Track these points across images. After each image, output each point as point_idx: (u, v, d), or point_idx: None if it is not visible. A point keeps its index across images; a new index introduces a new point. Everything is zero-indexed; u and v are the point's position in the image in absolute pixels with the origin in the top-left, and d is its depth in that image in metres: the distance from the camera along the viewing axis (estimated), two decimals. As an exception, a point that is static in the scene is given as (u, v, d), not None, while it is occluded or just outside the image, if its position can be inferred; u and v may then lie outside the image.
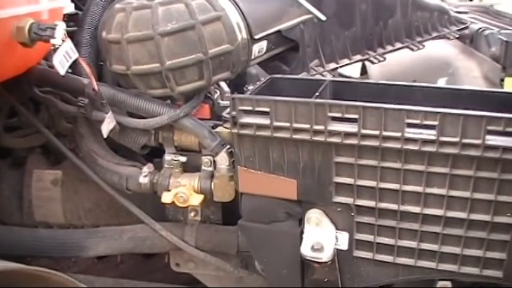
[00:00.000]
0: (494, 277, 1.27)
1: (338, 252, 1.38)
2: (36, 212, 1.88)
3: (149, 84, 1.45)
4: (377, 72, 2.37)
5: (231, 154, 1.48)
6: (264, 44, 1.64)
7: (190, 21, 1.38)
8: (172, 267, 1.80)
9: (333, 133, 1.25)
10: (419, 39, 2.21)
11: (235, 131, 1.34)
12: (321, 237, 1.37)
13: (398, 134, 1.19)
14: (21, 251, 1.71)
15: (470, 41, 2.42)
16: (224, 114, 1.45)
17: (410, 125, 1.19)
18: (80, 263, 2.29)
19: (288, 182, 1.35)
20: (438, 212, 1.25)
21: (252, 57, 1.59)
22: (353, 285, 1.42)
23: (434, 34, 2.25)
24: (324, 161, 1.30)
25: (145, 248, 1.73)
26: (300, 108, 1.26)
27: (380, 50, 2.14)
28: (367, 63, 2.24)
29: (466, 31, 2.38)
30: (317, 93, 1.35)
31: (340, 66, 2.07)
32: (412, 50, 2.19)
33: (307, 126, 1.26)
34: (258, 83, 1.52)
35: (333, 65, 2.04)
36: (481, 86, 2.15)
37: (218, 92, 1.69)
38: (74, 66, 1.55)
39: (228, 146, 1.49)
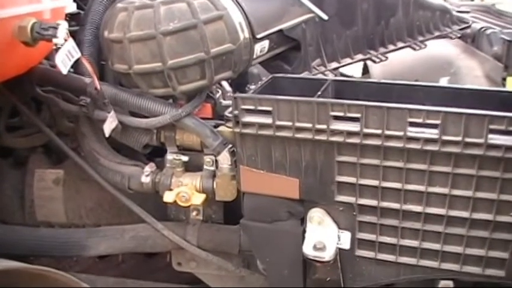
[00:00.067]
0: (496, 276, 1.27)
1: (340, 251, 1.38)
2: (38, 211, 1.88)
3: (151, 83, 1.45)
4: (379, 71, 2.36)
5: (233, 153, 1.48)
6: (265, 44, 1.64)
7: (192, 21, 1.39)
8: (174, 266, 1.80)
9: (335, 132, 1.25)
10: (421, 38, 2.21)
11: (237, 130, 1.34)
12: (323, 236, 1.37)
13: (401, 133, 1.19)
14: (23, 250, 1.71)
15: (472, 40, 2.41)
16: (226, 113, 1.45)
17: (412, 124, 1.19)
18: (81, 262, 2.28)
19: (290, 181, 1.35)
20: (440, 211, 1.25)
21: (254, 56, 1.59)
22: (355, 285, 1.42)
23: (436, 33, 2.25)
24: (326, 160, 1.30)
25: (147, 247, 1.72)
26: (302, 108, 1.26)
27: (382, 50, 2.13)
28: (368, 62, 2.24)
29: (468, 30, 2.38)
30: (319, 93, 1.35)
31: (342, 66, 2.07)
32: (414, 49, 2.19)
33: (309, 125, 1.26)
34: (259, 82, 1.52)
35: (334, 64, 2.04)
36: (483, 85, 2.15)
37: (220, 91, 1.70)
38: (76, 66, 1.55)
39: (230, 145, 1.49)
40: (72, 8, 1.51)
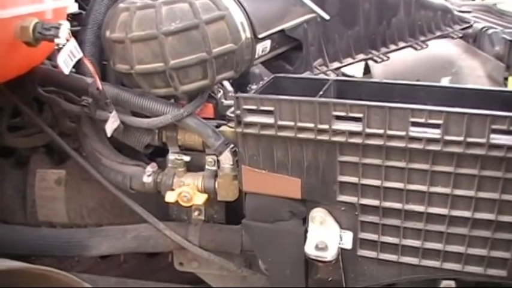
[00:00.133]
0: (498, 276, 1.27)
1: (342, 251, 1.38)
2: (40, 211, 1.88)
3: (153, 83, 1.45)
4: (380, 71, 2.36)
5: (234, 153, 1.48)
6: (267, 43, 1.64)
7: (194, 21, 1.39)
8: (176, 266, 1.80)
9: (337, 132, 1.25)
10: (422, 38, 2.21)
11: (239, 130, 1.34)
12: (325, 236, 1.37)
13: (403, 133, 1.19)
14: (25, 250, 1.71)
15: (474, 40, 2.41)
16: (228, 113, 1.45)
17: (414, 124, 1.19)
18: (83, 262, 2.28)
19: (292, 181, 1.35)
20: (442, 211, 1.25)
21: (256, 56, 1.59)
22: (357, 285, 1.42)
23: (438, 33, 2.25)
24: (328, 160, 1.30)
25: (148, 247, 1.72)
26: (304, 107, 1.26)
27: (383, 49, 2.13)
28: (370, 62, 2.24)
29: (470, 30, 2.38)
30: (321, 93, 1.35)
31: (344, 66, 2.07)
32: (415, 49, 2.19)
33: (311, 125, 1.26)
34: (261, 82, 1.52)
35: (336, 64, 2.04)
36: (484, 85, 2.15)
37: (221, 91, 1.70)
38: (78, 66, 1.55)
39: (231, 145, 1.49)
40: (74, 8, 1.51)
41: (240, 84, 1.78)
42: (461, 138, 1.16)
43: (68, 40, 1.31)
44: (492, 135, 1.14)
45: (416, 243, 1.31)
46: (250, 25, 1.52)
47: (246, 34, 1.50)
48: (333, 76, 1.94)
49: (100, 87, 1.49)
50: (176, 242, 1.66)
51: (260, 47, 1.60)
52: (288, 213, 1.42)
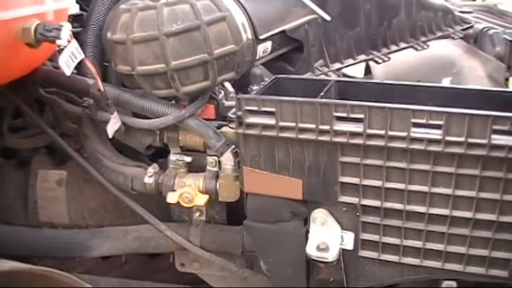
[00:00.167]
0: (499, 277, 1.27)
1: (343, 252, 1.38)
2: (41, 212, 1.88)
3: (154, 84, 1.46)
4: (381, 72, 2.36)
5: (236, 154, 1.48)
6: (268, 44, 1.64)
7: (195, 22, 1.39)
8: (177, 267, 1.80)
9: (338, 133, 1.25)
10: (423, 39, 2.21)
11: (240, 131, 1.34)
12: (326, 237, 1.37)
13: (404, 134, 1.19)
14: (26, 251, 1.72)
15: (475, 40, 2.41)
16: (230, 114, 1.45)
17: (416, 125, 1.19)
18: (84, 263, 2.29)
19: (294, 181, 1.35)
20: (444, 211, 1.25)
21: (257, 57, 1.59)
22: (358, 285, 1.42)
23: (439, 34, 2.25)
24: (329, 160, 1.30)
25: (150, 248, 1.73)
26: (305, 108, 1.26)
27: (384, 50, 2.14)
28: (371, 63, 2.24)
29: (470, 31, 2.38)
30: (322, 93, 1.35)
31: (345, 66, 2.07)
32: (416, 49, 2.19)
33: (312, 126, 1.26)
34: (262, 83, 1.53)
35: (337, 65, 2.04)
36: (485, 85, 2.15)
37: (223, 92, 1.70)
38: (79, 67, 1.55)
39: (233, 146, 1.49)
40: (75, 9, 1.51)
41: (241, 85, 1.78)
42: (462, 139, 1.16)
43: (69, 41, 1.31)
44: (493, 136, 1.14)
45: (417, 243, 1.31)
46: (252, 26, 1.52)
47: (247, 35, 1.50)
48: (334, 77, 1.94)
49: (101, 88, 1.49)
50: (177, 242, 1.66)
51: (261, 48, 1.60)
52: (289, 214, 1.42)
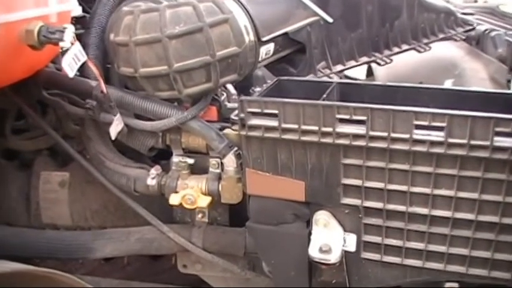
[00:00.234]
0: (502, 279, 1.27)
1: (346, 254, 1.38)
2: (44, 213, 1.88)
3: (157, 86, 1.46)
4: (383, 73, 2.37)
5: (238, 156, 1.48)
6: (271, 46, 1.64)
7: (198, 24, 1.39)
8: (180, 268, 1.80)
9: (341, 135, 1.25)
10: (425, 40, 2.21)
11: (243, 133, 1.34)
12: (328, 238, 1.37)
13: (407, 136, 1.19)
14: (29, 253, 1.72)
15: (477, 42, 2.42)
16: (232, 116, 1.45)
17: (418, 127, 1.19)
18: (86, 264, 2.28)
19: (296, 183, 1.35)
20: (446, 213, 1.25)
21: (259, 59, 1.60)
22: (361, 287, 1.42)
23: (441, 36, 2.25)
24: (332, 162, 1.30)
25: (152, 249, 1.73)
26: (308, 110, 1.26)
27: (386, 52, 2.13)
28: (373, 65, 2.24)
29: (473, 32, 2.38)
30: (324, 95, 1.35)
31: (347, 68, 2.07)
32: (418, 51, 2.19)
33: (315, 128, 1.26)
34: (265, 85, 1.53)
35: (339, 67, 2.04)
36: (487, 87, 2.15)
37: (225, 94, 1.70)
38: (82, 69, 1.55)
39: (235, 148, 1.49)
40: (78, 11, 1.51)
41: (243, 87, 1.78)
42: (464, 141, 1.16)
43: (72, 43, 1.31)
44: (496, 138, 1.14)
45: (420, 245, 1.31)
46: (254, 28, 1.53)
47: (249, 37, 1.50)
48: (336, 79, 1.94)
49: (104, 90, 1.50)
50: (180, 244, 1.66)
51: (264, 50, 1.60)
52: (291, 216, 1.42)
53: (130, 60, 1.43)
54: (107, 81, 1.64)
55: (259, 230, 1.47)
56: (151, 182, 1.59)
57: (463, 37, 2.32)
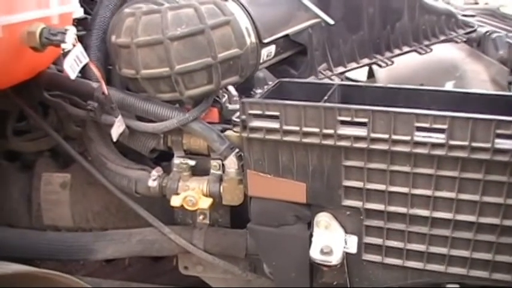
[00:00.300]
0: (503, 281, 1.27)
1: (347, 255, 1.38)
2: (45, 215, 1.88)
3: (158, 88, 1.46)
4: (384, 75, 2.37)
5: (240, 158, 1.49)
6: (272, 48, 1.64)
7: (199, 26, 1.39)
8: (181, 270, 1.80)
9: (342, 137, 1.25)
10: (426, 42, 2.20)
11: (244, 134, 1.34)
12: (330, 240, 1.37)
13: (408, 138, 1.20)
14: (30, 254, 1.72)
15: (478, 44, 2.42)
16: (234, 118, 1.45)
17: (419, 129, 1.19)
18: (87, 266, 2.28)
19: (297, 185, 1.36)
20: (447, 215, 1.25)
21: (261, 61, 1.60)
22: (362, 288, 1.43)
23: (442, 37, 2.25)
24: (333, 164, 1.30)
25: (153, 251, 1.73)
26: (309, 112, 1.26)
27: (388, 54, 2.13)
28: (374, 66, 2.24)
29: (473, 34, 2.38)
30: (326, 97, 1.35)
31: (348, 70, 2.07)
32: (419, 53, 2.18)
33: (316, 130, 1.26)
34: (266, 86, 1.53)
35: (340, 69, 2.03)
36: (488, 89, 2.15)
37: (226, 95, 1.70)
38: (84, 70, 1.55)
39: (236, 150, 1.49)
40: (80, 13, 1.51)
41: (244, 88, 1.78)
42: (466, 143, 1.16)
43: (74, 45, 1.31)
44: (497, 140, 1.14)
45: (421, 247, 1.31)
46: (255, 30, 1.53)
47: (251, 39, 1.50)
48: (337, 81, 1.94)
49: (106, 91, 1.50)
50: (181, 245, 1.66)
51: (265, 52, 1.60)
52: (293, 218, 1.42)
53: (131, 62, 1.44)
54: (109, 83, 1.64)
55: (260, 232, 1.47)
56: (152, 183, 1.59)
57: (464, 39, 2.32)
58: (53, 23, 1.36)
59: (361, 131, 1.23)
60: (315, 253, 1.37)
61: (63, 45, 1.30)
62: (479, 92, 1.48)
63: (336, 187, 1.32)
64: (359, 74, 2.56)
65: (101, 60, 1.66)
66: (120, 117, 1.53)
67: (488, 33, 2.34)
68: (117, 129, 1.53)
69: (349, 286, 1.43)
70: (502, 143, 1.15)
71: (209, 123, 1.56)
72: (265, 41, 1.57)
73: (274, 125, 1.30)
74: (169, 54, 1.39)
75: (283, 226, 1.44)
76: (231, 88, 1.75)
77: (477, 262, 1.28)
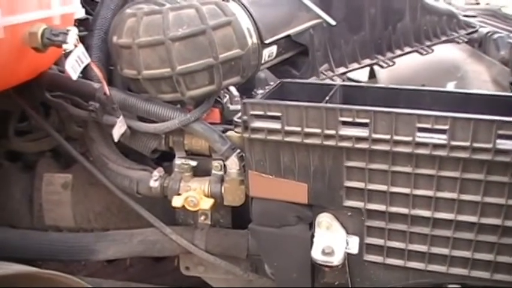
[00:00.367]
0: (504, 281, 1.27)
1: (348, 256, 1.38)
2: (46, 215, 1.89)
3: (160, 88, 1.46)
4: (385, 76, 2.36)
5: (241, 158, 1.49)
6: (274, 49, 1.64)
7: (201, 26, 1.39)
8: (182, 270, 1.80)
9: (343, 137, 1.25)
10: (428, 43, 2.21)
11: (246, 135, 1.34)
12: (331, 241, 1.37)
13: (409, 139, 1.20)
14: (31, 254, 1.72)
15: (479, 44, 2.42)
16: (235, 118, 1.45)
17: (421, 130, 1.19)
18: (89, 266, 2.29)
19: (299, 186, 1.36)
20: (449, 216, 1.26)
21: (262, 61, 1.60)
22: (363, 288, 1.43)
23: (443, 38, 2.25)
24: (334, 165, 1.30)
25: (155, 251, 1.73)
26: (311, 113, 1.26)
27: (389, 54, 2.13)
28: (375, 67, 2.24)
29: (475, 35, 2.38)
30: (327, 98, 1.35)
31: (350, 71, 2.07)
32: (421, 54, 2.18)
33: (318, 130, 1.26)
34: (267, 87, 1.53)
35: (342, 69, 2.03)
36: (490, 89, 2.15)
37: (227, 96, 1.70)
38: (85, 71, 1.56)
39: (238, 150, 1.49)
40: (82, 13, 1.51)
41: (246, 88, 1.78)
42: (467, 144, 1.16)
43: (75, 46, 1.32)
44: (498, 141, 1.15)
45: (422, 248, 1.31)
46: (257, 31, 1.53)
47: (252, 40, 1.50)
48: (339, 81, 1.94)
49: (107, 92, 1.50)
50: (182, 246, 1.66)
51: (266, 53, 1.60)
52: (294, 218, 1.42)
53: (133, 63, 1.44)
54: (110, 83, 1.64)
55: (261, 232, 1.47)
56: (154, 184, 1.60)
57: (466, 39, 2.32)
58: (55, 23, 1.36)
59: (362, 132, 1.23)
60: (316, 254, 1.37)
61: (64, 46, 1.30)
62: (481, 93, 1.49)
63: (338, 188, 1.32)
64: (360, 75, 2.56)
65: (103, 60, 1.66)
66: (121, 117, 1.53)
67: (489, 34, 2.34)
68: (119, 129, 1.53)
69: (350, 286, 1.43)
70: (504, 144, 1.15)
71: (210, 123, 1.56)
72: (267, 41, 1.57)
73: (276, 125, 1.30)
74: (171, 55, 1.39)
75: (284, 227, 1.44)
76: (232, 89, 1.75)
77: (478, 263, 1.28)
